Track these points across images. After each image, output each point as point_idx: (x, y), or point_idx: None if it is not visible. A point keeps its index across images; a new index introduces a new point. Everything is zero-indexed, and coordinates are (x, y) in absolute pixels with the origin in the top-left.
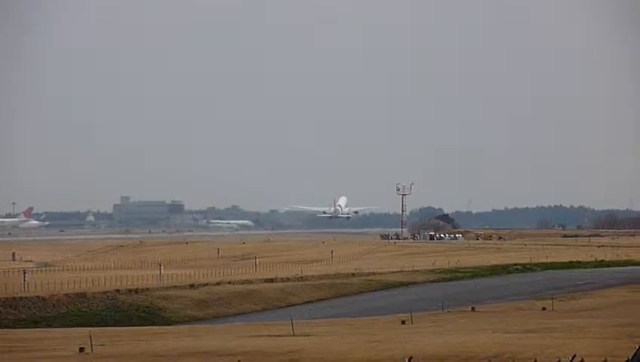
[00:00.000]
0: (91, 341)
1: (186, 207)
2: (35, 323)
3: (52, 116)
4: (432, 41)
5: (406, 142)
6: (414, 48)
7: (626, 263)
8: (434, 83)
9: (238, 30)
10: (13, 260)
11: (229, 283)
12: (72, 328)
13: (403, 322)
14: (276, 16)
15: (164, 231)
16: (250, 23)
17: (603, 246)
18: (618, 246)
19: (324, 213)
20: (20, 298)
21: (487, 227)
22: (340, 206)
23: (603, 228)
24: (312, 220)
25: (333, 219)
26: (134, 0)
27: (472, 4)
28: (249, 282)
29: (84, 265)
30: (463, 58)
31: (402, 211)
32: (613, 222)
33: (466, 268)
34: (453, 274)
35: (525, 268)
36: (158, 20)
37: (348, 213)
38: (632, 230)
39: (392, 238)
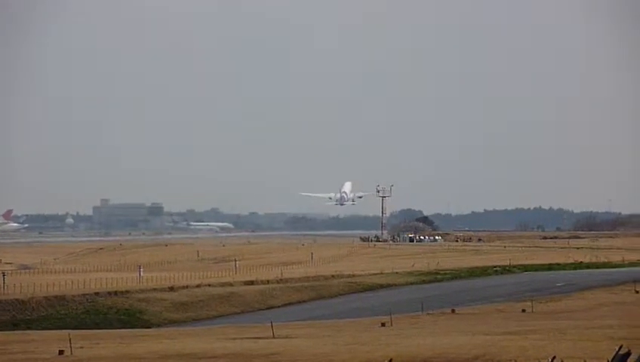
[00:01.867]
0: (71, 343)
1: (166, 209)
2: (14, 325)
3: (32, 118)
4: (431, 40)
5: (386, 144)
6: (408, 48)
7: (605, 265)
8: (421, 83)
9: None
10: None
11: (209, 285)
12: (52, 331)
13: (383, 324)
14: (275, 16)
15: (143, 234)
16: (246, 22)
17: (582, 248)
18: (597, 248)
19: (330, 199)
20: (0, 300)
21: (467, 229)
22: (345, 192)
23: (582, 230)
24: (293, 222)
25: (338, 205)
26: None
27: (473, 4)
28: (229, 284)
29: (63, 268)
30: (462, 58)
31: (382, 213)
32: (592, 224)
33: (445, 270)
34: (433, 276)
35: (505, 269)
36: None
37: (353, 199)
38: (611, 232)
39: (372, 240)
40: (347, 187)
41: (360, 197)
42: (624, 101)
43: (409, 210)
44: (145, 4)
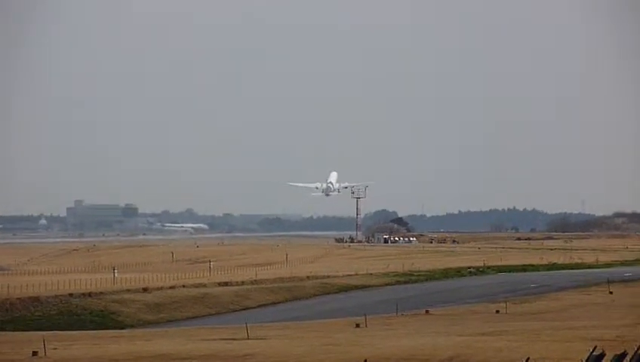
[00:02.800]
0: (45, 345)
1: (140, 210)
2: None
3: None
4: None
5: (358, 144)
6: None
7: (578, 266)
8: (391, 84)
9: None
10: None
11: (183, 286)
12: (25, 332)
13: (357, 325)
14: (273, 16)
15: (118, 235)
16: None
17: (556, 249)
18: (571, 250)
19: (317, 188)
20: None
21: (442, 230)
22: (331, 182)
23: (556, 231)
24: (267, 223)
25: (324, 195)
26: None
27: (473, 4)
28: (203, 286)
29: (37, 269)
30: (462, 57)
31: (357, 214)
32: (565, 225)
33: (420, 271)
34: (408, 277)
35: (479, 271)
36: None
37: (338, 189)
38: (585, 233)
39: (346, 241)
40: (333, 177)
41: (345, 187)
42: (622, 102)
43: (384, 211)
44: (144, 5)
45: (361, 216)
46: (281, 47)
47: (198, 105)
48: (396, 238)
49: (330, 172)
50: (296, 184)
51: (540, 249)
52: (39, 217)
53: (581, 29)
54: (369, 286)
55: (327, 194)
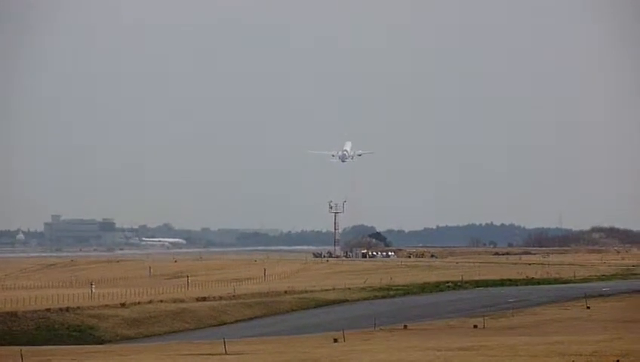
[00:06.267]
0: (22, 360)
1: (117, 225)
2: None
3: None
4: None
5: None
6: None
7: (556, 281)
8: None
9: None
10: None
11: (161, 301)
12: (3, 347)
13: (335, 340)
14: (272, 16)
15: (95, 250)
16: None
17: (533, 263)
18: (548, 264)
19: (333, 156)
20: None
21: (420, 245)
22: (346, 150)
23: (533, 246)
24: (245, 238)
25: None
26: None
27: (473, 4)
28: (181, 301)
29: (14, 284)
30: (462, 57)
31: (335, 229)
32: (543, 239)
33: (398, 285)
34: (386, 292)
35: (457, 285)
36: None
37: (353, 156)
38: (562, 248)
39: (324, 256)
40: (348, 146)
41: (359, 155)
42: (618, 104)
43: (362, 226)
44: (144, 5)
45: (339, 230)
46: (277, 47)
47: (176, 118)
48: (374, 253)
49: (346, 141)
50: (314, 152)
51: (517, 264)
52: (17, 232)
53: (579, 30)
54: (347, 300)
55: (343, 161)
